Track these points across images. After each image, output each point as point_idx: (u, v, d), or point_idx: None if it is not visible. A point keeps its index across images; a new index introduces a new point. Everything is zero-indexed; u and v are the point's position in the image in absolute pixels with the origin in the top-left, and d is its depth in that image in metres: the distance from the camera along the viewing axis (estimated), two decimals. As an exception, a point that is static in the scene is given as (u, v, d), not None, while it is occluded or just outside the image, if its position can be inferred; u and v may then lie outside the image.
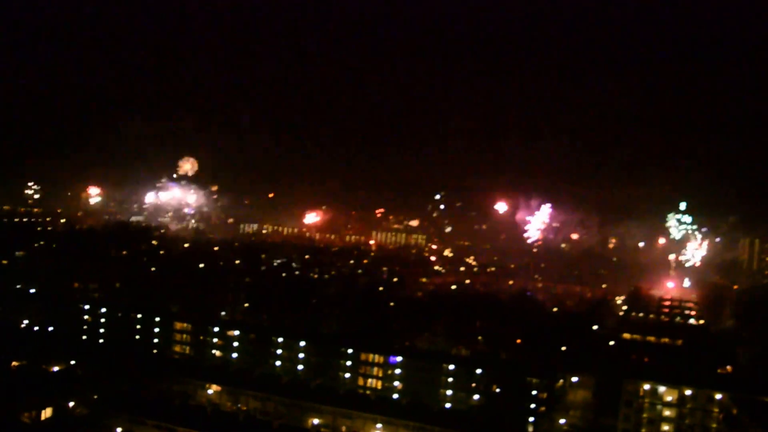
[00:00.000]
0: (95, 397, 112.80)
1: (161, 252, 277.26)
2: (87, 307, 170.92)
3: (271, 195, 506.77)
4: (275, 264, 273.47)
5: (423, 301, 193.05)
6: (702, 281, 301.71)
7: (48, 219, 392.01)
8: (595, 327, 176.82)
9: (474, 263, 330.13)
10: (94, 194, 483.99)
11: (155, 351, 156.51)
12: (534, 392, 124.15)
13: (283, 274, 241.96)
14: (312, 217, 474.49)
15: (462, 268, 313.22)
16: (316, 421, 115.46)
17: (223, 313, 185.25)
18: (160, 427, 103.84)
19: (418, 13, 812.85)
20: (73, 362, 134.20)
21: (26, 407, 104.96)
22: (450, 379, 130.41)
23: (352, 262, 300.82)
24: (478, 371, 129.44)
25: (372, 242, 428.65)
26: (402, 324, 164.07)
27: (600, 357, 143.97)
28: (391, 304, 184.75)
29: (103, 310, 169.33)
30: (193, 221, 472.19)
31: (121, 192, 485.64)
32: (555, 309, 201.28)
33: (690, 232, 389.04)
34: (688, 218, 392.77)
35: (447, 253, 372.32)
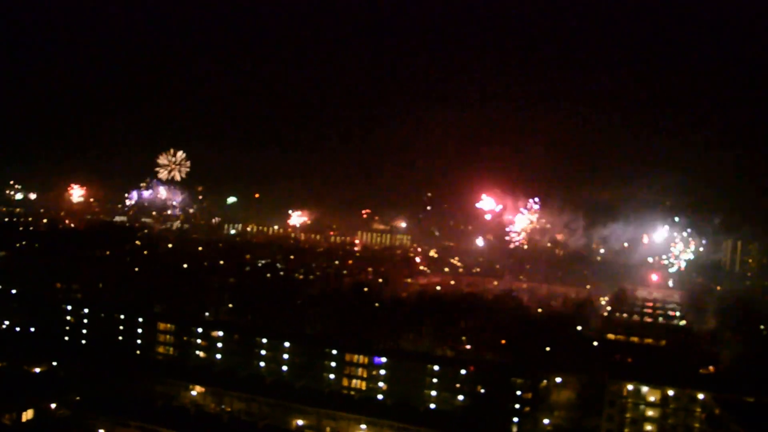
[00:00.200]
0: (77, 398, 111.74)
1: (145, 252, 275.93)
2: (69, 307, 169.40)
3: (256, 195, 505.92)
4: (260, 264, 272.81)
5: (408, 301, 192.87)
6: (685, 282, 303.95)
7: (30, 219, 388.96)
8: (579, 327, 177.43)
9: (459, 264, 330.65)
10: (77, 194, 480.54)
11: (138, 352, 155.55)
12: (518, 392, 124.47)
13: (268, 275, 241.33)
14: (297, 218, 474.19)
15: (447, 269, 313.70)
16: (300, 422, 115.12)
17: (207, 313, 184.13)
18: (143, 429, 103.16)
19: (402, 9, 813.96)
20: (55, 363, 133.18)
21: (7, 409, 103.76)
22: (434, 380, 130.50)
23: (337, 262, 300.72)
24: (463, 372, 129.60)
25: (357, 243, 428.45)
26: (387, 325, 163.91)
27: (584, 357, 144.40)
28: (376, 304, 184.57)
29: (86, 310, 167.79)
30: (177, 221, 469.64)
31: (104, 192, 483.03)
32: (539, 309, 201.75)
33: (674, 233, 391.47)
34: (672, 220, 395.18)
35: (432, 253, 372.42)
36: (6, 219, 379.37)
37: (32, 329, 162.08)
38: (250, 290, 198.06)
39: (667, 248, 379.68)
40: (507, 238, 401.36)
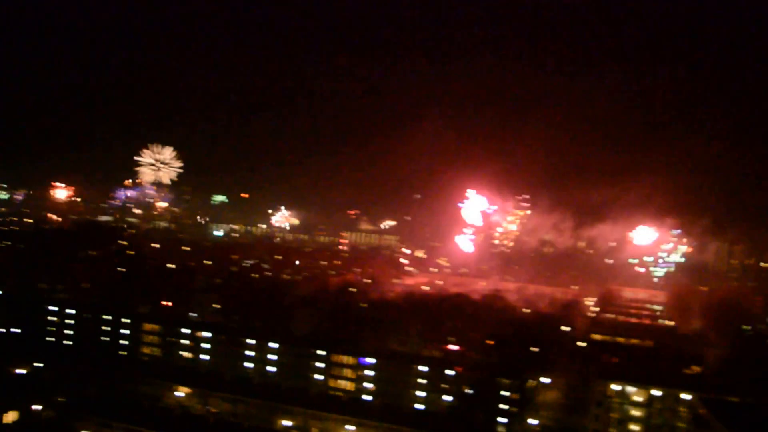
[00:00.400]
0: (62, 399, 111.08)
1: (130, 252, 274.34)
2: (54, 308, 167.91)
3: (244, 195, 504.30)
4: (246, 264, 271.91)
5: (395, 302, 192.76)
6: (672, 283, 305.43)
7: (14, 219, 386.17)
8: (565, 328, 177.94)
9: (447, 264, 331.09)
10: (62, 194, 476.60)
11: (123, 353, 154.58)
12: (505, 393, 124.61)
13: (254, 275, 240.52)
14: (284, 218, 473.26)
15: (434, 269, 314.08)
16: (287, 423, 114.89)
17: (192, 314, 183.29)
18: (128, 430, 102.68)
19: (391, 9, 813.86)
20: (39, 364, 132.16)
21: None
22: (422, 381, 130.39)
23: (324, 263, 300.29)
24: (450, 372, 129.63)
25: (344, 243, 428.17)
26: (374, 325, 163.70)
27: (571, 358, 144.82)
28: (363, 305, 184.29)
29: (71, 311, 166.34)
30: (163, 221, 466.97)
31: (89, 191, 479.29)
32: (526, 310, 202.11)
33: (660, 234, 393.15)
34: (658, 220, 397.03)
35: (420, 254, 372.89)
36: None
37: (16, 330, 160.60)
38: (237, 291, 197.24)
39: (654, 249, 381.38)
40: (494, 238, 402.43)
